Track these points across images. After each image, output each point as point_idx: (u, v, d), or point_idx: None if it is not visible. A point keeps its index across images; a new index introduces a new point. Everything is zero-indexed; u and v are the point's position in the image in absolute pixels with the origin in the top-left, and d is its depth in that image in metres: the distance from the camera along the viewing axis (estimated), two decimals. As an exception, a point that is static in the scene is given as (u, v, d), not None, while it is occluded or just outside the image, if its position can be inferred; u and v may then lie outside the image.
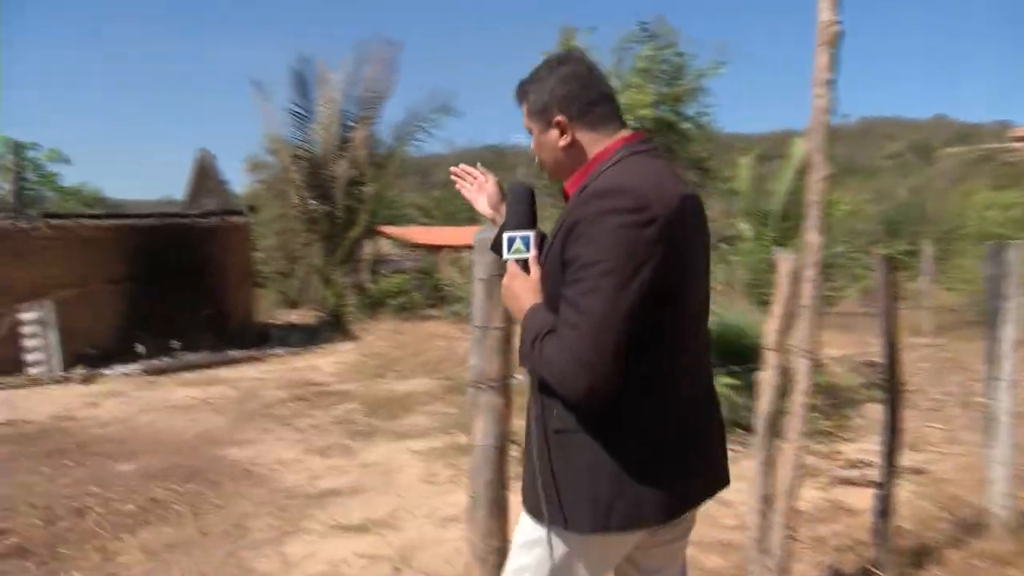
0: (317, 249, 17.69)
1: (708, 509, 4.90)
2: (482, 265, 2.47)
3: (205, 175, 15.73)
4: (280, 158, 18.00)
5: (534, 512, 1.78)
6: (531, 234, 1.83)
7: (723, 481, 1.93)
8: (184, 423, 8.23)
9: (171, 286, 12.97)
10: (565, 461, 1.71)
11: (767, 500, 3.11)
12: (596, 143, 1.77)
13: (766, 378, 3.07)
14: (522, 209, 1.85)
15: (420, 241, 25.95)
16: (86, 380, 11.19)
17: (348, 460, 6.54)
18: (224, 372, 11.94)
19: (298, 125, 17.77)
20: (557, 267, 1.64)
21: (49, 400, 9.87)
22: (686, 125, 10.64)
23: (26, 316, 11.51)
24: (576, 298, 1.55)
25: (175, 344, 12.93)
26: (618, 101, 1.88)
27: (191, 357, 12.75)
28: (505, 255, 1.84)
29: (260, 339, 14.10)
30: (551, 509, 1.70)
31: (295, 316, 19.69)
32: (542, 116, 1.80)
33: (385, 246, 22.81)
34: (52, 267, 11.92)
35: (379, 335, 14.22)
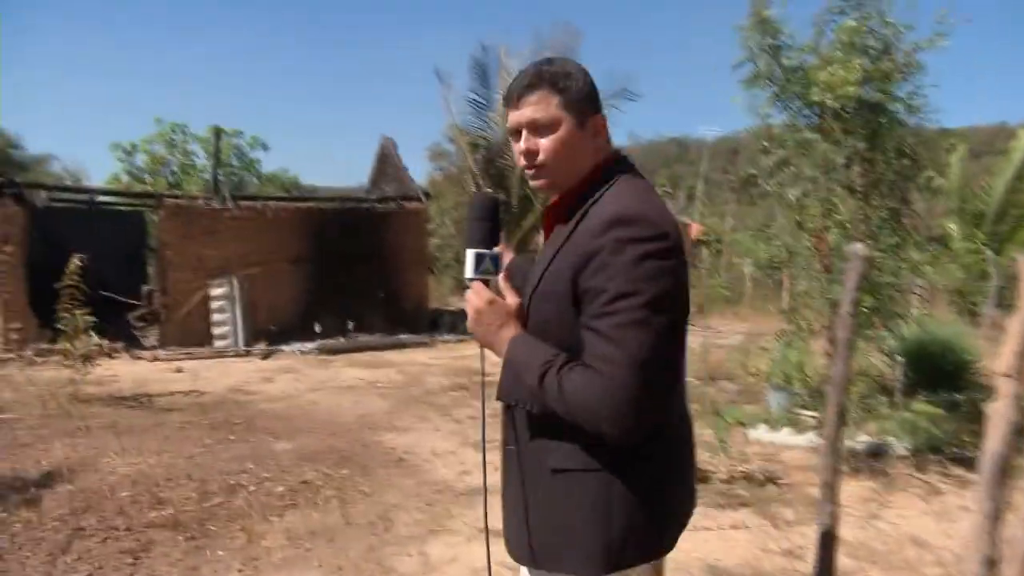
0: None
1: (906, 554, 4.12)
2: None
3: (386, 161, 16.01)
4: (459, 146, 18.04)
5: (535, 561, 1.68)
6: (498, 253, 1.70)
7: (695, 503, 1.85)
8: (348, 404, 8.19)
9: (348, 268, 13.24)
10: (570, 500, 1.61)
11: (991, 564, 2.38)
12: (599, 152, 1.68)
13: (997, 410, 2.36)
14: (487, 225, 1.70)
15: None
16: (265, 355, 11.59)
17: (504, 456, 6.16)
18: (393, 355, 12.01)
19: (477, 114, 17.71)
20: (563, 297, 1.55)
21: (229, 372, 10.26)
22: (895, 106, 9.33)
23: (215, 291, 12.09)
24: (611, 331, 1.46)
25: (350, 325, 13.20)
26: None
27: (364, 338, 12.96)
28: (472, 274, 1.67)
29: (431, 324, 14.14)
30: (559, 554, 1.63)
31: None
32: (580, 109, 1.63)
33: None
34: (240, 245, 12.46)
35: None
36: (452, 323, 13.90)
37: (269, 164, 33.55)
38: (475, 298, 1.66)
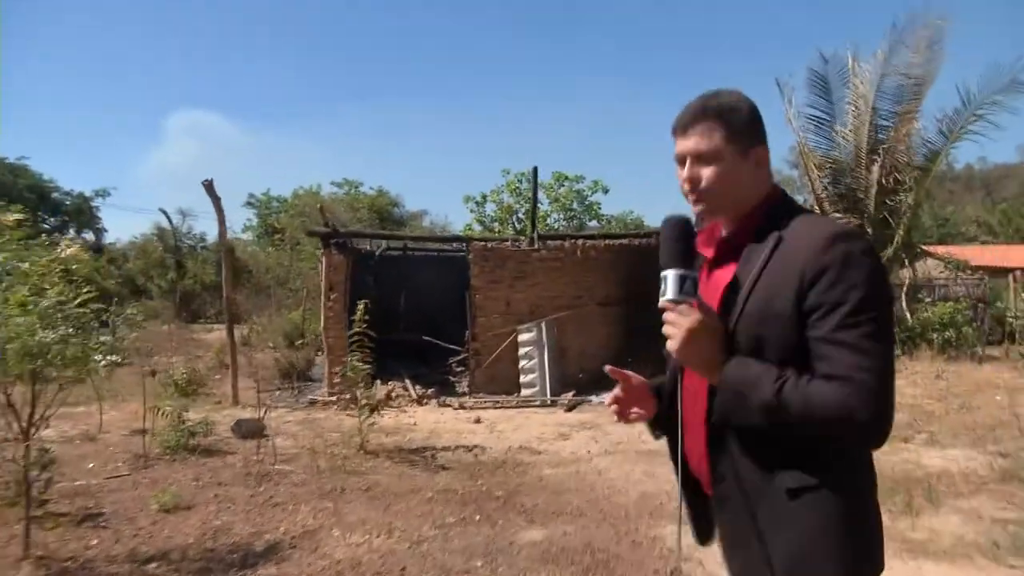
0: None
1: None
2: None
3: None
4: (803, 168, 15.84)
5: None
6: (696, 275, 1.65)
7: None
8: (638, 475, 6.76)
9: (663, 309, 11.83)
10: (813, 521, 1.58)
11: None
12: (763, 183, 1.74)
13: None
14: (684, 246, 1.65)
15: (979, 262, 20.96)
16: (571, 407, 10.59)
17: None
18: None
19: (819, 130, 15.43)
20: (784, 316, 1.56)
21: (526, 425, 9.39)
22: None
23: (523, 336, 11.43)
24: (860, 341, 1.49)
25: (667, 374, 11.74)
26: None
27: (682, 390, 11.43)
28: (675, 296, 1.61)
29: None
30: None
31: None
32: (744, 141, 1.70)
33: (932, 268, 18.83)
34: (548, 287, 11.72)
35: (913, 378, 11.14)
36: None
37: (612, 207, 33.53)
38: (686, 320, 1.60)
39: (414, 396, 11.01)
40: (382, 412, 8.36)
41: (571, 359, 11.69)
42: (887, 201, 14.40)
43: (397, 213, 46.59)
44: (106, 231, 47.50)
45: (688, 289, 1.60)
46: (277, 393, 12.41)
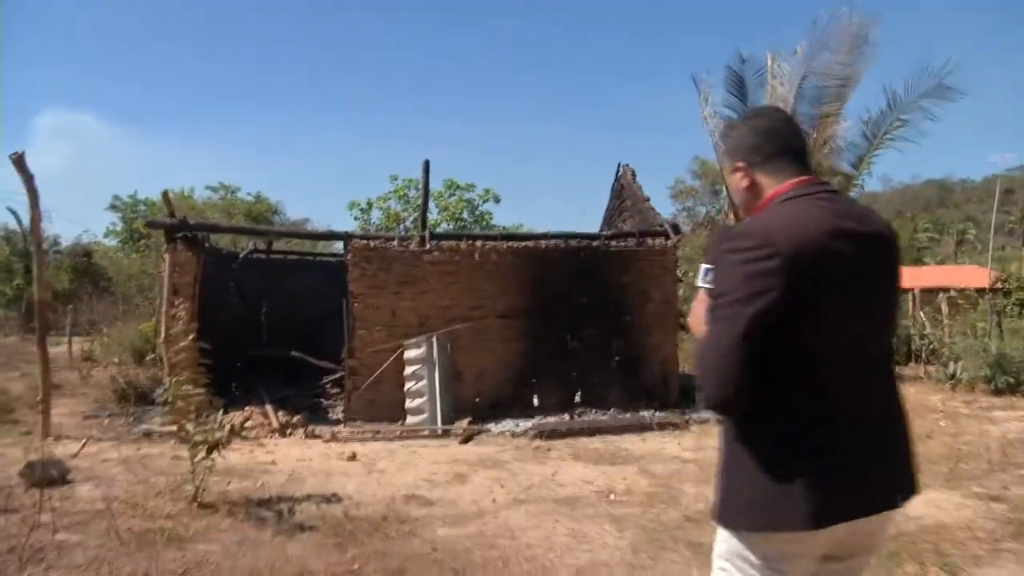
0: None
1: None
2: None
3: (624, 194, 13.09)
4: (708, 179, 14.74)
5: (715, 516, 1.97)
6: None
7: (891, 503, 1.95)
8: (563, 538, 5.14)
9: (575, 324, 10.34)
10: (731, 464, 1.92)
11: None
12: (771, 187, 2.02)
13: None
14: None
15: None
16: (467, 438, 8.89)
17: None
18: (633, 442, 8.83)
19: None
20: None
21: (413, 463, 7.63)
22: None
23: (411, 353, 9.66)
24: (710, 323, 1.84)
25: (576, 397, 10.24)
26: (804, 150, 2.07)
27: (594, 417, 9.93)
28: (699, 283, 1.95)
29: (681, 398, 10.81)
30: (722, 509, 1.94)
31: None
32: (730, 159, 2.08)
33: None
34: (441, 295, 10.00)
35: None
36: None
37: (504, 218, 32.15)
38: (696, 304, 1.98)
39: (276, 425, 9.04)
40: (225, 449, 6.39)
41: (467, 380, 10.00)
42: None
43: (277, 220, 43.90)
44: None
45: (708, 278, 1.89)
46: (107, 420, 10.14)
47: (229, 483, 6.56)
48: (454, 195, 29.41)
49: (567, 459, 7.91)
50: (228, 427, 7.76)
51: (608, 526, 5.41)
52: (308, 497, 6.26)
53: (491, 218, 30.06)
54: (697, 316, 1.94)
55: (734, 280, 1.77)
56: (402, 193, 29.01)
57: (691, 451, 8.28)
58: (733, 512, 1.89)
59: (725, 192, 14.88)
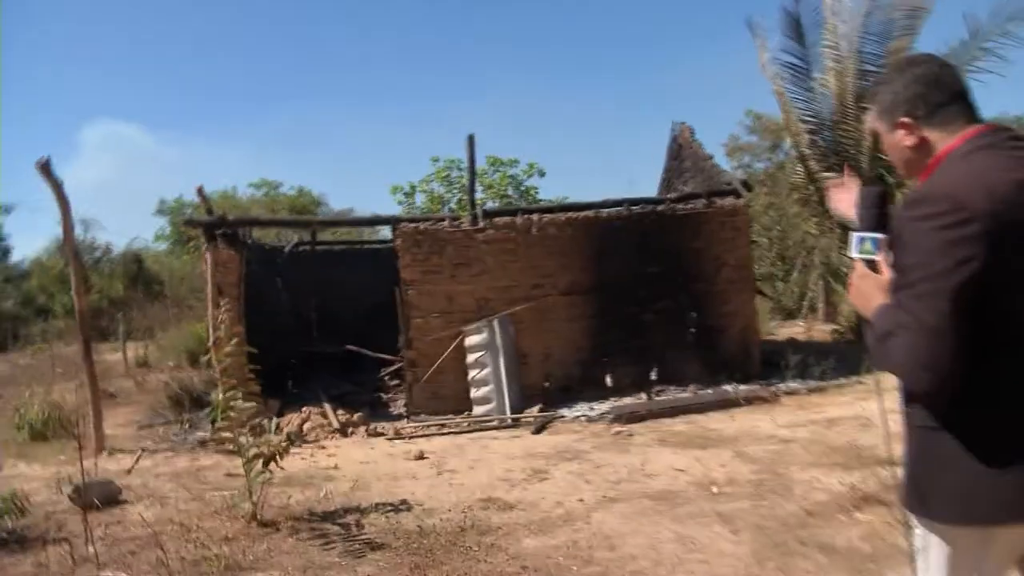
0: (832, 240, 13.04)
1: None
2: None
3: (682, 154, 12.23)
4: (765, 133, 13.76)
5: (908, 505, 1.85)
6: (880, 236, 1.81)
7: None
8: (670, 544, 4.46)
9: (645, 295, 9.59)
10: (928, 454, 1.77)
11: None
12: (943, 140, 1.80)
13: None
14: (872, 212, 1.85)
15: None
16: (539, 427, 8.24)
17: None
18: (720, 420, 8.10)
19: (796, 79, 13.40)
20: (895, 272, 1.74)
21: (485, 459, 7.02)
22: None
23: (471, 339, 9.03)
24: (906, 302, 1.63)
25: (652, 374, 9.51)
26: (971, 97, 1.85)
27: (675, 395, 9.20)
28: (853, 254, 1.84)
29: (765, 368, 10.01)
30: (915, 500, 1.80)
31: (798, 332, 15.24)
32: (888, 117, 1.88)
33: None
34: (500, 276, 9.34)
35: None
36: (801, 364, 9.56)
37: (548, 192, 31.32)
38: (853, 274, 1.84)
39: (335, 425, 8.51)
40: (285, 455, 5.85)
41: (533, 364, 9.35)
42: (882, 156, 12.44)
43: (321, 213, 43.73)
44: (12, 248, 43.25)
45: (865, 247, 1.81)
46: (162, 429, 9.75)
47: (290, 497, 6.01)
48: (497, 172, 28.67)
49: (653, 445, 7.22)
50: (285, 434, 7.28)
51: (718, 527, 4.71)
52: (376, 506, 5.69)
53: (537, 193, 29.24)
54: (863, 293, 1.80)
55: (929, 251, 1.61)
56: (444, 174, 28.33)
57: (788, 428, 7.52)
58: (937, 504, 1.75)
59: (790, 145, 13.90)
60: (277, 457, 5.53)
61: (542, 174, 28.82)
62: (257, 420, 7.86)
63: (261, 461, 5.43)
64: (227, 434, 5.63)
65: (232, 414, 5.55)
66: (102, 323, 33.49)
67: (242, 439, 5.51)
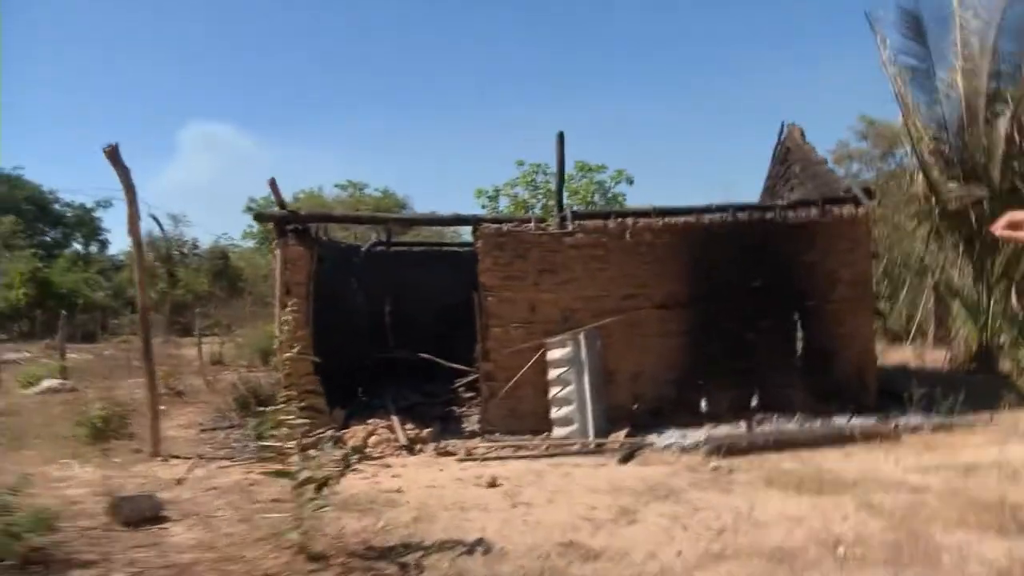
0: (954, 257, 11.76)
1: None
2: None
3: (791, 156, 11.18)
4: (878, 140, 12.59)
5: None
6: None
7: None
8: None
9: (749, 312, 8.64)
10: None
11: None
12: None
13: None
14: None
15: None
16: (626, 456, 7.38)
17: None
18: (834, 460, 7.08)
19: (914, 80, 12.19)
20: None
21: (566, 491, 6.21)
22: None
23: (554, 353, 8.25)
24: None
25: (754, 400, 8.54)
26: None
27: (779, 426, 8.20)
28: None
29: (881, 399, 8.90)
30: None
31: (909, 358, 13.90)
32: None
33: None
34: (588, 285, 8.53)
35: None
36: (926, 396, 8.40)
37: (636, 201, 30.31)
38: None
39: (403, 441, 7.84)
40: (340, 481, 5.18)
41: (621, 383, 8.50)
42: (1016, 166, 11.13)
43: (404, 215, 43.63)
44: (110, 243, 44.70)
45: None
46: (224, 434, 9.29)
47: (345, 527, 5.33)
48: (584, 177, 27.86)
49: (758, 485, 6.28)
50: (344, 453, 6.64)
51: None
52: (440, 544, 4.96)
53: (624, 200, 28.30)
54: None
55: None
56: (530, 179, 27.70)
57: (917, 474, 6.46)
58: None
59: (908, 153, 12.71)
60: (330, 483, 4.86)
61: (630, 181, 27.93)
62: (315, 433, 7.24)
63: (313, 487, 4.77)
64: (274, 453, 4.96)
65: (283, 429, 4.89)
66: (185, 318, 34.09)
67: (294, 459, 4.85)
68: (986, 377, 10.66)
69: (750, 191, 12.95)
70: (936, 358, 13.61)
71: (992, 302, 11.07)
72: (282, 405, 5.04)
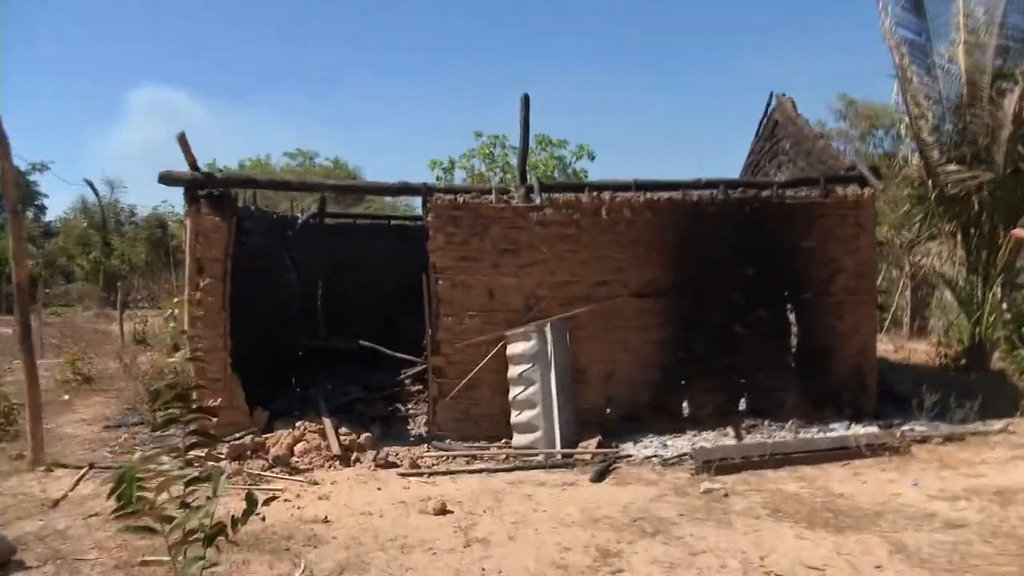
0: (951, 246, 10.87)
1: None
2: None
3: (783, 131, 10.12)
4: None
5: None
6: None
7: None
8: None
9: (737, 303, 7.57)
10: None
11: None
12: None
13: None
14: None
15: None
16: (601, 472, 6.25)
17: None
18: (843, 480, 6.07)
19: (913, 54, 11.20)
20: None
21: (530, 521, 5.06)
22: None
23: (516, 347, 7.08)
24: None
25: (741, 404, 7.50)
26: None
27: (769, 432, 7.18)
28: None
29: (881, 403, 7.94)
30: None
31: (889, 351, 13.04)
32: None
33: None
34: (556, 268, 7.36)
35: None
36: (938, 400, 7.40)
37: (599, 177, 29.30)
38: None
39: (336, 450, 6.60)
40: (247, 519, 3.95)
41: (592, 383, 7.38)
42: (1021, 148, 10.23)
43: (342, 183, 42.01)
44: (46, 208, 41.95)
45: None
46: (129, 432, 7.96)
47: (256, 563, 4.12)
48: (544, 151, 26.65)
49: (762, 516, 5.21)
50: (283, 449, 5.45)
51: None
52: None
53: (585, 177, 27.18)
54: None
55: None
56: (487, 151, 26.41)
57: (944, 501, 5.46)
58: None
59: (903, 132, 11.78)
60: (225, 533, 3.62)
61: (592, 157, 26.75)
62: (232, 439, 6.06)
63: (198, 541, 3.52)
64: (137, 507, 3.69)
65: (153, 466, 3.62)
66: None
67: (167, 508, 3.59)
68: (980, 375, 9.81)
69: (730, 167, 11.89)
70: (914, 349, 12.81)
71: (991, 295, 10.19)
72: (162, 426, 3.77)
